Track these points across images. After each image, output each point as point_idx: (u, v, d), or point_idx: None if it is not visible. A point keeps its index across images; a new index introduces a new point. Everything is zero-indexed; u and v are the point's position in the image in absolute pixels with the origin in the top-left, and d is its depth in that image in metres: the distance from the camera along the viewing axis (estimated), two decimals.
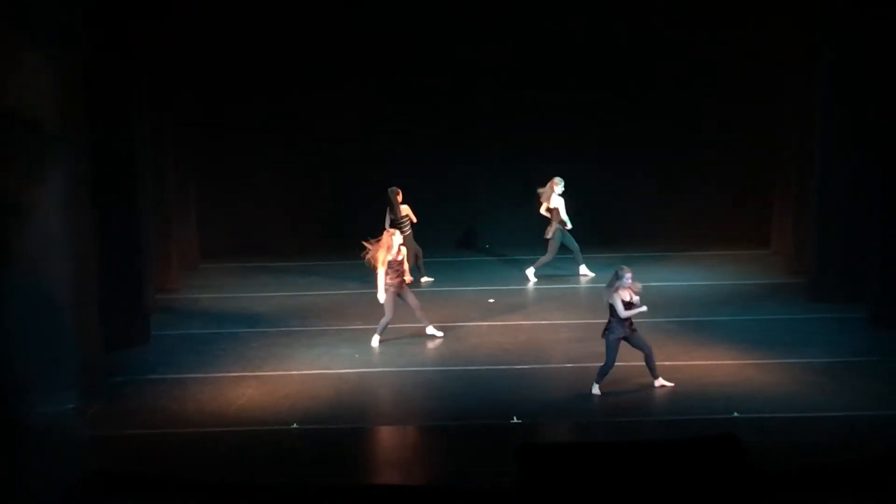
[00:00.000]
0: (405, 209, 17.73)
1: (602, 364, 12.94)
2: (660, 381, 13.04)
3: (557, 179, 17.72)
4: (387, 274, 14.72)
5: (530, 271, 17.87)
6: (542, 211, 17.91)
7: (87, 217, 13.32)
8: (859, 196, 15.64)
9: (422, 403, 12.92)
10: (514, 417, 12.20)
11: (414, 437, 12.12)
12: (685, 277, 18.04)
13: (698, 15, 19.27)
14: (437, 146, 19.93)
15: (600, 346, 14.45)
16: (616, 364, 13.84)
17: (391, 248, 14.75)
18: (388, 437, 12.09)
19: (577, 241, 18.25)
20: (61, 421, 12.50)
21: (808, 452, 11.25)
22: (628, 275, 12.84)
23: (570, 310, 16.32)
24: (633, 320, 12.93)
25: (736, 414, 12.10)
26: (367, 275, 18.32)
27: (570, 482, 8.25)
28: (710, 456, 8.49)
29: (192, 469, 11.17)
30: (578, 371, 13.69)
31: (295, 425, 12.17)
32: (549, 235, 17.76)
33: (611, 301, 12.80)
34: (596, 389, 12.97)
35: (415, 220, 17.78)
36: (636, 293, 12.92)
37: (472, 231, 20.43)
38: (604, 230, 19.83)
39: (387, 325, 14.87)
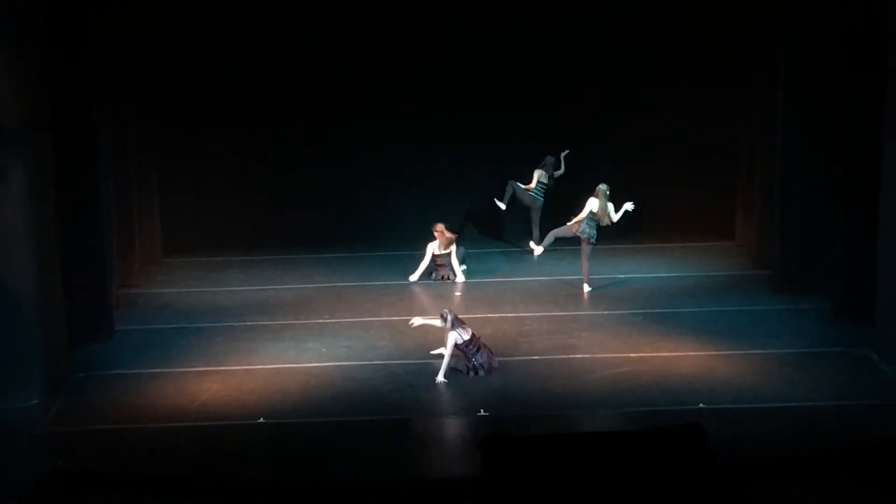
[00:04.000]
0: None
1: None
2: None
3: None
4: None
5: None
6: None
7: (49, 212, 13.20)
8: (821, 188, 15.75)
9: (388, 397, 12.91)
10: (482, 410, 12.22)
11: (380, 431, 12.10)
12: (650, 269, 18.11)
13: (663, 11, 19.35)
14: (410, 141, 19.87)
15: (567, 339, 14.58)
16: (582, 356, 13.95)
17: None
18: (354, 431, 12.05)
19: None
20: (24, 417, 12.39)
21: (772, 442, 11.32)
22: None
23: (537, 303, 16.34)
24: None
25: (702, 405, 12.16)
26: (333, 268, 18.33)
27: (535, 474, 8.27)
28: (674, 446, 8.52)
29: (156, 465, 11.12)
30: (545, 363, 13.72)
31: (261, 419, 12.13)
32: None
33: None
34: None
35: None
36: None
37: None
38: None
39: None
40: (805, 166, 15.97)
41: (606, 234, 19.33)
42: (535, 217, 18.98)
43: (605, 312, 15.79)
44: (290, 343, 14.75)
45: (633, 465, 8.38)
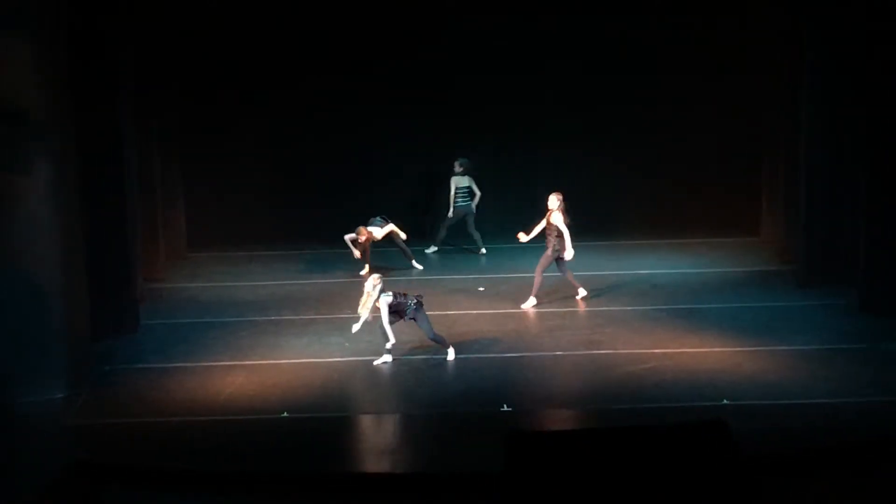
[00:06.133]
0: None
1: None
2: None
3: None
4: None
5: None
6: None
7: (75, 206, 13.25)
8: (846, 183, 15.68)
9: (412, 391, 12.92)
10: (504, 405, 12.20)
11: (404, 425, 12.11)
12: (674, 265, 18.05)
13: (690, 5, 19.30)
14: (427, 135, 19.89)
15: (590, 335, 14.55)
16: (605, 351, 13.92)
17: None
18: (377, 426, 12.07)
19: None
20: (49, 410, 12.46)
21: (796, 438, 11.26)
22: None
23: (560, 298, 16.30)
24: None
25: (726, 401, 12.11)
26: (355, 264, 18.34)
27: (559, 469, 8.24)
28: (698, 441, 8.47)
29: (180, 458, 11.15)
30: (567, 359, 13.70)
31: (285, 414, 12.15)
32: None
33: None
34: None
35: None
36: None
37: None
38: (593, 218, 19.81)
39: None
40: (830, 161, 15.90)
41: (632, 230, 19.42)
42: (470, 221, 18.90)
43: (629, 308, 15.75)
44: (313, 338, 14.77)
45: (658, 461, 8.34)
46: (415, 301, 13.63)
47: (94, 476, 10.72)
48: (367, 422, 12.12)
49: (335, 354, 14.13)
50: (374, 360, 13.65)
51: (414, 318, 13.63)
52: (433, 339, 13.74)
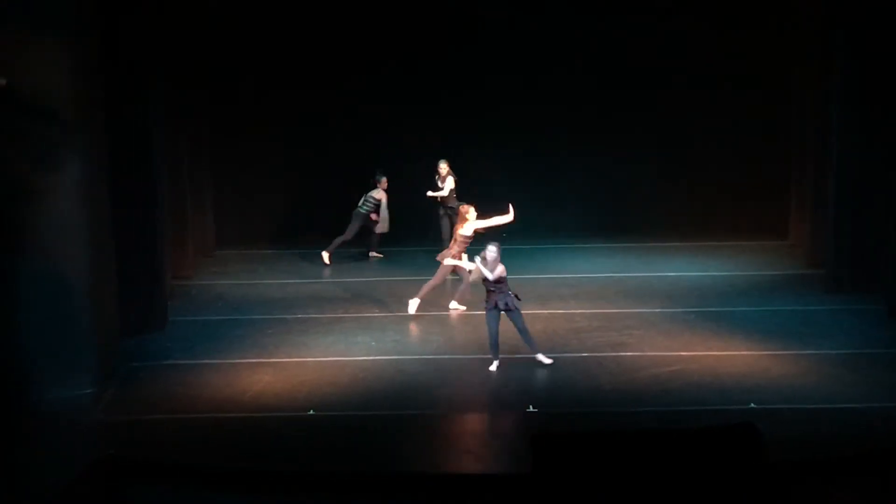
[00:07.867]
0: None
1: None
2: (540, 357, 13.42)
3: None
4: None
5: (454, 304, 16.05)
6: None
7: (104, 203, 13.35)
8: (875, 187, 15.61)
9: (438, 391, 12.93)
10: (530, 406, 12.20)
11: (429, 425, 12.12)
12: (702, 268, 18.00)
13: (718, 9, 19.25)
14: (451, 137, 19.87)
15: (618, 336, 14.52)
16: (632, 353, 13.88)
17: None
18: (404, 425, 12.08)
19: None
20: (76, 406, 12.55)
21: (823, 443, 11.22)
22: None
23: (587, 299, 16.29)
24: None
25: (753, 405, 12.07)
26: (383, 263, 18.38)
27: (586, 470, 8.24)
28: (727, 445, 8.45)
29: (206, 455, 11.21)
30: (595, 360, 13.68)
31: (312, 412, 12.18)
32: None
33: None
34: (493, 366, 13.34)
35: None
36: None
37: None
38: (621, 220, 19.83)
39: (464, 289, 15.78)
40: (859, 165, 15.83)
41: (661, 232, 19.35)
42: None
43: (656, 310, 15.72)
44: (339, 336, 14.81)
45: (686, 464, 8.33)
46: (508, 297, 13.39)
47: (121, 471, 10.77)
48: (392, 421, 12.13)
49: (361, 353, 14.17)
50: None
51: (508, 310, 13.40)
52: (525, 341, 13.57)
